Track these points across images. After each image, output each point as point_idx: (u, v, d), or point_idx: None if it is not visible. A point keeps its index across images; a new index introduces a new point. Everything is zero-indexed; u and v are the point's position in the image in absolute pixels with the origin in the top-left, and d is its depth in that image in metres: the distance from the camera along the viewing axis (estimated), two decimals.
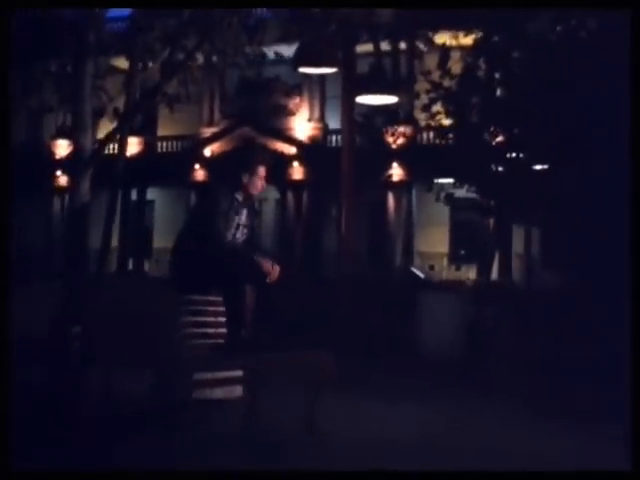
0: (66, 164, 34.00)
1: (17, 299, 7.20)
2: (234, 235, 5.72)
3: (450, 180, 18.48)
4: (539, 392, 8.91)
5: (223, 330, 5.79)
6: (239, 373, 5.42)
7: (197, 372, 5.05)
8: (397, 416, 6.88)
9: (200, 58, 7.93)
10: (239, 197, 5.77)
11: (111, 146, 15.27)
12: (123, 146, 10.79)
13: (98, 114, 8.83)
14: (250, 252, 5.65)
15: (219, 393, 5.93)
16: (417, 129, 27.27)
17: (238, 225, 5.76)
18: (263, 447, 5.37)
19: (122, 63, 10.23)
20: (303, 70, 9.36)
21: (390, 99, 10.05)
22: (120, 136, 9.58)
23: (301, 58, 8.99)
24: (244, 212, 5.81)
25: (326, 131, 31.77)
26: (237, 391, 5.94)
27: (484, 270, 24.30)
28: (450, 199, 16.00)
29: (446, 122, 17.33)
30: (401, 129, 24.41)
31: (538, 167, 17.78)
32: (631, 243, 4.68)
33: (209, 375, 5.22)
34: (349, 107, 10.11)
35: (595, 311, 13.94)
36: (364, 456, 5.24)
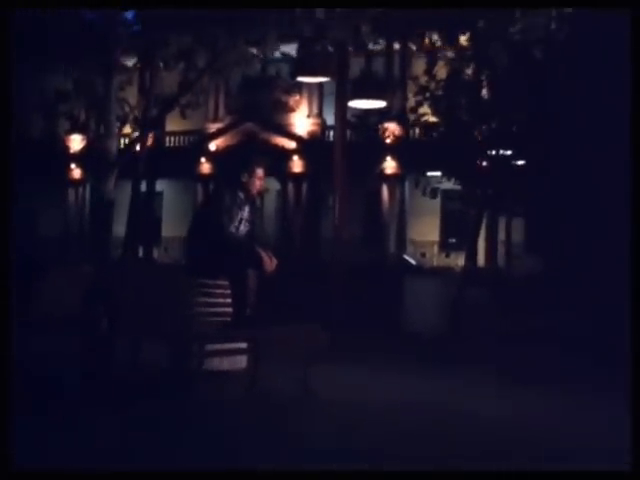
0: (80, 158, 34.57)
1: (50, 281, 7.92)
2: (237, 228, 6.45)
3: (437, 173, 19.09)
4: (511, 360, 9.53)
5: (229, 309, 6.49)
6: (243, 345, 6.12)
7: (208, 343, 5.73)
8: (383, 383, 7.39)
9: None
10: (241, 195, 6.50)
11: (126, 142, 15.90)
12: (142, 149, 11.32)
13: (122, 122, 9.44)
14: (252, 243, 6.38)
15: (226, 364, 6.64)
16: (408, 126, 27.82)
17: (241, 219, 6.49)
18: (265, 410, 5.89)
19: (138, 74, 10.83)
20: (301, 79, 9.96)
21: (379, 103, 10.66)
22: (141, 141, 10.19)
23: (298, 69, 9.63)
24: (246, 208, 6.54)
25: (324, 126, 32.25)
26: (241, 362, 6.63)
27: (470, 256, 24.91)
28: (435, 193, 16.59)
29: (433, 120, 18.01)
30: (393, 125, 24.94)
31: (518, 162, 18.47)
32: (631, 238, 4.74)
33: (218, 346, 5.92)
34: (342, 109, 10.73)
35: (569, 293, 14.63)
36: (353, 417, 5.73)
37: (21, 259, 9.37)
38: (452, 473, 4.43)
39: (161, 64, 8.53)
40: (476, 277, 18.04)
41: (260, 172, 6.57)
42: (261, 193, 6.77)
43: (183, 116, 9.29)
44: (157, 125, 10.61)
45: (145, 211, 18.65)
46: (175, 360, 6.13)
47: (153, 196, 34.93)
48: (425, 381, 7.67)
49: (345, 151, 12.96)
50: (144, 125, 9.16)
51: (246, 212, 6.53)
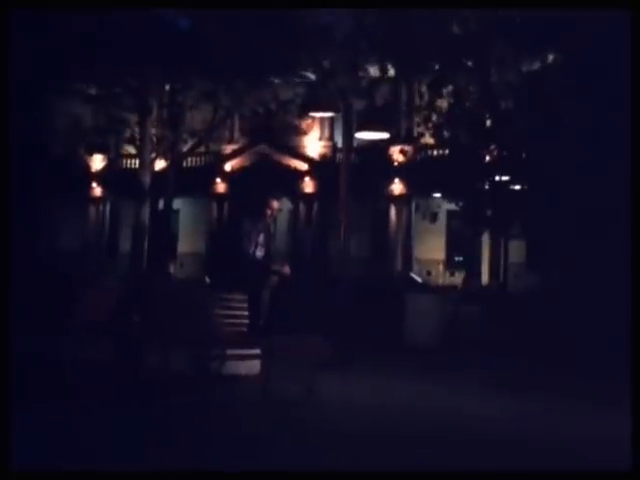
0: (100, 176, 35.64)
1: (88, 293, 8.80)
2: (254, 252, 7.43)
3: (438, 195, 19.95)
4: (506, 371, 10.22)
5: (246, 320, 7.42)
6: (257, 351, 7.01)
7: (228, 348, 6.65)
8: (388, 390, 7.98)
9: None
10: (259, 223, 7.48)
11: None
12: (170, 179, 12.19)
13: (154, 157, 10.38)
14: (267, 264, 7.35)
15: (242, 369, 7.52)
16: (414, 149, 28.68)
17: (257, 244, 7.46)
18: (274, 410, 6.66)
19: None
20: (311, 114, 10.87)
21: (383, 135, 11.55)
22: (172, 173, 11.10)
23: (307, 106, 10.56)
24: (262, 235, 7.52)
25: (335, 149, 33.09)
26: (255, 368, 7.51)
27: (473, 275, 25.79)
28: (434, 217, 17.40)
29: (437, 145, 18.93)
30: (399, 149, 25.76)
31: (517, 185, 19.23)
32: (632, 245, 5.01)
33: (236, 351, 6.83)
34: (349, 138, 11.62)
35: (566, 309, 15.31)
36: (356, 418, 6.39)
37: (58, 272, 10.32)
38: (452, 473, 4.52)
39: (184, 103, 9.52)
40: (475, 294, 18.84)
41: (274, 204, 7.56)
42: (272, 216, 7.76)
43: (206, 148, 10.25)
44: (184, 159, 11.55)
45: (164, 229, 19.58)
46: (198, 364, 7.03)
47: (170, 214, 36.10)
48: (421, 387, 8.27)
49: (350, 174, 13.77)
50: (172, 159, 10.13)
51: (261, 237, 7.51)
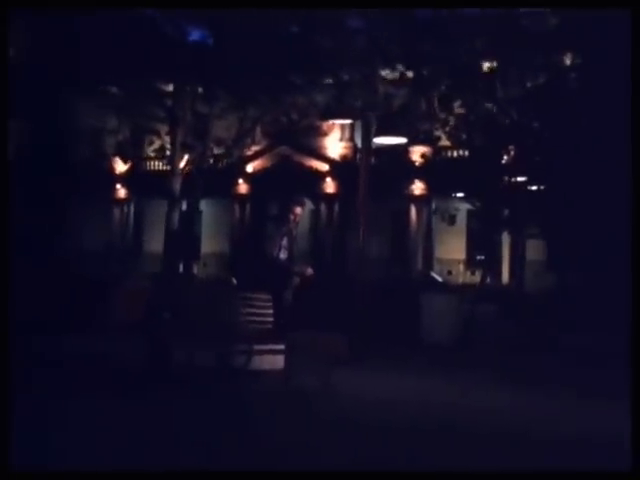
0: (125, 178, 36.40)
1: (118, 294, 9.39)
2: (278, 254, 8.00)
3: (456, 196, 20.38)
4: (519, 368, 10.57)
5: (270, 318, 7.97)
6: (281, 346, 7.55)
7: (254, 343, 7.20)
8: (401, 385, 8.45)
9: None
10: (285, 227, 8.06)
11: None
12: (198, 184, 12.63)
13: (180, 163, 10.98)
14: (290, 266, 7.91)
15: (267, 364, 8.06)
16: (433, 150, 29.11)
17: (280, 247, 8.04)
18: (295, 401, 7.27)
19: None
20: (331, 121, 11.47)
21: (401, 140, 12.00)
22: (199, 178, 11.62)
23: (326, 114, 11.12)
24: (285, 238, 8.09)
25: (355, 150, 33.61)
26: (279, 362, 8.05)
27: (492, 274, 26.18)
28: (453, 220, 17.83)
29: (456, 146, 19.42)
30: (419, 150, 26.22)
31: (534, 186, 19.61)
32: (632, 245, 5.20)
33: (260, 346, 7.38)
34: (368, 144, 12.07)
35: (579, 308, 15.71)
36: (370, 410, 6.80)
37: (86, 272, 10.89)
38: (452, 473, 4.58)
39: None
40: (493, 293, 19.25)
41: (297, 209, 8.14)
42: (295, 221, 8.34)
43: (232, 158, 10.87)
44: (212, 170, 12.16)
45: (189, 229, 20.21)
46: (226, 359, 7.58)
47: (194, 215, 36.79)
48: (434, 383, 8.69)
49: (370, 175, 14.20)
50: (199, 166, 10.74)
51: (285, 241, 8.09)
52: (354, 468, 4.67)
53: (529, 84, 16.78)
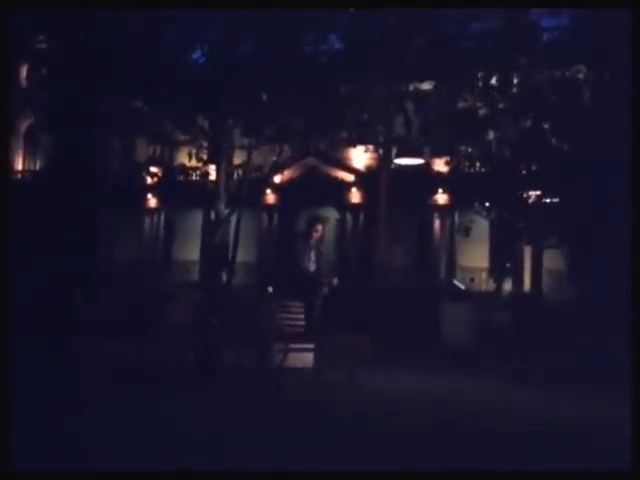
0: (156, 188, 37.93)
1: (169, 302, 10.72)
2: (307, 267, 9.45)
3: (478, 206, 21.40)
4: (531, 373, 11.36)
5: (302, 323, 9.35)
6: (312, 346, 8.87)
7: (290, 343, 8.56)
8: (418, 383, 9.54)
9: None
10: (311, 242, 9.49)
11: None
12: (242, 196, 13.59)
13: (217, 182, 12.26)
14: (318, 276, 9.31)
15: (299, 362, 9.38)
16: (456, 160, 30.15)
17: (309, 259, 9.47)
18: (324, 392, 8.55)
19: None
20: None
21: (419, 161, 13.30)
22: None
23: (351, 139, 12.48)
24: (313, 251, 9.54)
25: (380, 161, 34.67)
26: (309, 360, 9.33)
27: (513, 283, 27.25)
28: (467, 232, 18.92)
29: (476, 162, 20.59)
30: (442, 160, 27.24)
31: (554, 198, 20.57)
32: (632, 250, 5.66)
33: (294, 345, 8.74)
34: (389, 157, 13.33)
35: (594, 317, 16.65)
36: (389, 406, 7.83)
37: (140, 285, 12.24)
38: (452, 473, 4.70)
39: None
40: (511, 301, 20.30)
41: (318, 227, 9.60)
42: (318, 237, 9.83)
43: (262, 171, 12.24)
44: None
45: (223, 239, 21.39)
46: (265, 358, 8.94)
47: (223, 224, 38.14)
48: (455, 384, 9.71)
49: (394, 185, 15.33)
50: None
51: (312, 254, 9.53)
52: (366, 462, 5.15)
53: (545, 99, 17.76)
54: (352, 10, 9.69)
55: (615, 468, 4.63)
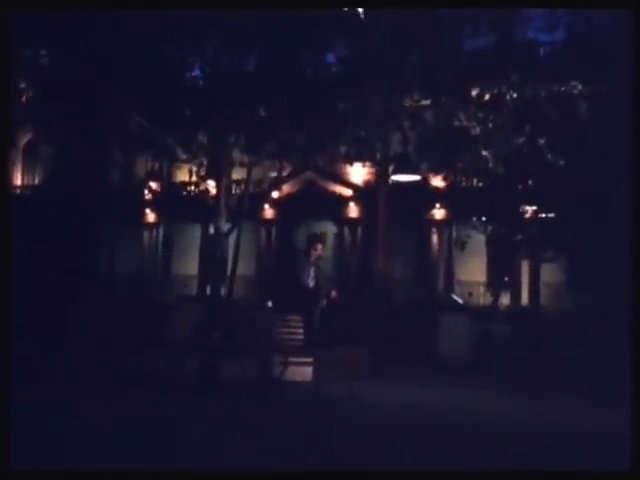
0: (154, 203, 38.10)
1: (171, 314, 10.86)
2: (307, 282, 9.62)
3: (475, 220, 21.64)
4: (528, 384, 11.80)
5: (301, 336, 9.50)
6: (310, 359, 9.02)
7: (288, 356, 8.71)
8: (416, 395, 9.69)
9: None
10: (310, 259, 9.66)
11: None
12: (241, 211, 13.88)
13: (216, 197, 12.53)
14: (317, 292, 9.49)
15: (298, 375, 9.53)
16: (453, 176, 30.39)
17: (309, 275, 9.64)
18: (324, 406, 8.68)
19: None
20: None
21: (415, 177, 13.51)
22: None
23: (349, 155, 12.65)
24: (312, 268, 9.71)
25: (378, 175, 34.90)
26: (308, 374, 9.50)
27: (510, 296, 27.41)
28: (463, 246, 19.13)
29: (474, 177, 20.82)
30: (439, 175, 27.49)
31: (551, 213, 20.77)
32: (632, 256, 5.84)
33: (294, 359, 8.88)
34: (386, 174, 13.49)
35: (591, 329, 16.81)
36: (387, 416, 8.10)
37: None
38: (452, 473, 4.83)
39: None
40: (507, 314, 20.48)
41: (318, 246, 9.81)
42: (318, 255, 10.04)
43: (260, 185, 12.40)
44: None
45: (222, 253, 21.61)
46: (265, 370, 9.09)
47: (220, 239, 38.36)
48: (447, 391, 10.03)
49: (391, 200, 15.50)
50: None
51: (312, 270, 9.70)
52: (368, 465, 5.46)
53: (541, 114, 17.97)
54: (350, 10, 9.85)
55: (615, 468, 4.74)
